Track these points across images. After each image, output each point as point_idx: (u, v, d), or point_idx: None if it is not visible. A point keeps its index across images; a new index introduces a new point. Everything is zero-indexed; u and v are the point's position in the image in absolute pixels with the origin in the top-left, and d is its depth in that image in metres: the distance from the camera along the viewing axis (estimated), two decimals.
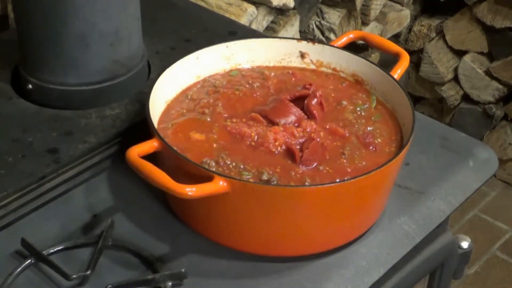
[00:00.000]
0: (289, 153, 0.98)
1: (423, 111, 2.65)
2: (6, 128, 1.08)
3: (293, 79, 1.12)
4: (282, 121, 1.03)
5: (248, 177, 0.94)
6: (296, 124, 1.02)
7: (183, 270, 0.91)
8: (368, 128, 1.04)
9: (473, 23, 2.45)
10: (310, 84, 1.08)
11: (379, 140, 1.02)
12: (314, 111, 1.04)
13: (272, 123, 1.03)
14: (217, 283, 0.94)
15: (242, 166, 0.96)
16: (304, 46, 1.15)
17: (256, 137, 1.00)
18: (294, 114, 1.04)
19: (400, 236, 1.03)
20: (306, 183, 0.94)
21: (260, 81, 1.11)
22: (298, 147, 0.99)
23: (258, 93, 1.09)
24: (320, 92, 1.07)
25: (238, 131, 1.01)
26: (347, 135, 1.02)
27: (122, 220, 1.00)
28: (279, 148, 0.99)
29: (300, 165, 0.97)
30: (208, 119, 1.04)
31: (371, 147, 1.01)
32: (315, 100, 1.05)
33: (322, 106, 1.06)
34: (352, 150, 1.00)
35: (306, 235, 0.96)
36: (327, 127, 1.03)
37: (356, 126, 1.04)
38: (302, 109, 1.05)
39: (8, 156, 1.03)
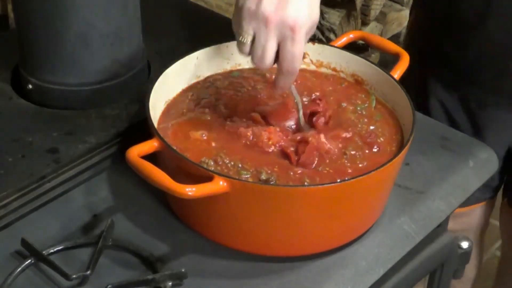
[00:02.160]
0: (285, 156, 0.98)
1: None
2: (6, 128, 1.08)
3: (293, 83, 1.12)
4: (281, 124, 1.02)
5: (246, 176, 0.94)
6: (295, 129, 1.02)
7: (183, 270, 0.91)
8: (371, 127, 1.04)
9: None
10: (320, 99, 1.06)
11: (381, 139, 1.02)
12: (319, 128, 1.03)
13: (270, 124, 1.03)
14: (217, 283, 0.94)
15: (240, 165, 0.96)
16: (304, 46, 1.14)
17: (251, 136, 1.00)
18: (294, 119, 1.03)
19: (400, 236, 1.03)
20: (305, 183, 0.94)
21: (262, 84, 1.11)
22: (292, 148, 0.99)
23: (261, 95, 1.09)
24: (329, 113, 1.05)
25: (235, 130, 1.01)
26: (349, 135, 1.02)
27: (122, 220, 1.00)
28: (272, 148, 0.99)
29: (298, 167, 0.97)
30: (208, 118, 1.04)
31: (374, 147, 1.01)
32: (322, 119, 1.04)
33: (328, 122, 1.05)
34: (354, 150, 1.00)
35: (306, 235, 0.96)
36: (329, 136, 1.02)
37: (359, 125, 1.04)
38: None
39: (8, 156, 1.03)
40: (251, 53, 0.97)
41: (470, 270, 1.69)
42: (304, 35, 0.95)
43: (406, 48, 1.17)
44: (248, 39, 0.96)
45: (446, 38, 1.38)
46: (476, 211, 1.57)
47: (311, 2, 0.97)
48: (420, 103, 1.44)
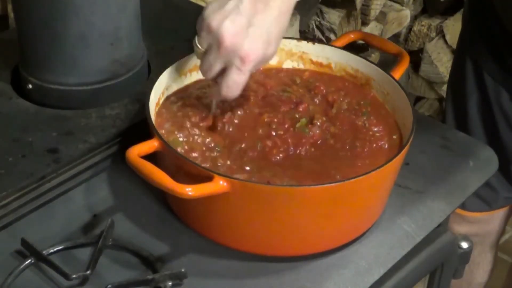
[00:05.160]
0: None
1: (423, 111, 2.65)
2: (6, 128, 1.08)
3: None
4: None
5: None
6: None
7: (183, 270, 0.91)
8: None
9: None
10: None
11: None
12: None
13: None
14: (217, 283, 0.94)
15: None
16: (304, 46, 1.15)
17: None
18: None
19: (400, 236, 1.03)
20: (298, 184, 0.94)
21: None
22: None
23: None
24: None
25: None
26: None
27: (122, 220, 1.00)
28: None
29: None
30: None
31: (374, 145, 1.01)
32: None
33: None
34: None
35: (306, 235, 0.96)
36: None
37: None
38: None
39: (8, 156, 1.03)
40: (200, 60, 1.00)
41: (481, 275, 1.68)
42: (251, 68, 0.96)
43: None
44: (200, 48, 0.98)
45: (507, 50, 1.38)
46: (499, 215, 1.57)
47: (269, 38, 0.96)
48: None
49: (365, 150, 1.01)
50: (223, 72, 0.97)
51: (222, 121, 1.02)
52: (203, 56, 0.98)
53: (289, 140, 1.00)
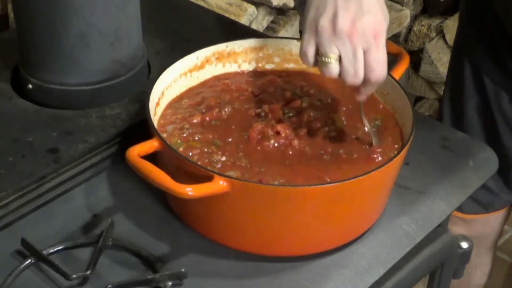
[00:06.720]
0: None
1: (423, 111, 2.65)
2: (6, 128, 1.08)
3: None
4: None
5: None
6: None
7: (183, 270, 0.92)
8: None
9: None
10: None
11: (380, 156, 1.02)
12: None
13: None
14: (217, 283, 0.94)
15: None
16: None
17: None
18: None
19: (400, 236, 1.03)
20: (303, 183, 0.94)
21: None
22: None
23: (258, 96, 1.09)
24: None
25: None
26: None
27: (122, 220, 1.00)
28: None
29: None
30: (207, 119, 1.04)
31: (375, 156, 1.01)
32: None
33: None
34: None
35: (306, 235, 0.96)
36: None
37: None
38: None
39: (8, 156, 1.03)
40: (341, 73, 0.95)
41: (479, 277, 1.68)
42: (385, 39, 0.94)
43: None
44: (333, 59, 0.95)
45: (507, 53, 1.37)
46: (496, 218, 1.57)
47: (380, 3, 0.95)
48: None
49: (354, 156, 1.00)
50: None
51: (211, 116, 1.03)
52: (340, 63, 0.95)
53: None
